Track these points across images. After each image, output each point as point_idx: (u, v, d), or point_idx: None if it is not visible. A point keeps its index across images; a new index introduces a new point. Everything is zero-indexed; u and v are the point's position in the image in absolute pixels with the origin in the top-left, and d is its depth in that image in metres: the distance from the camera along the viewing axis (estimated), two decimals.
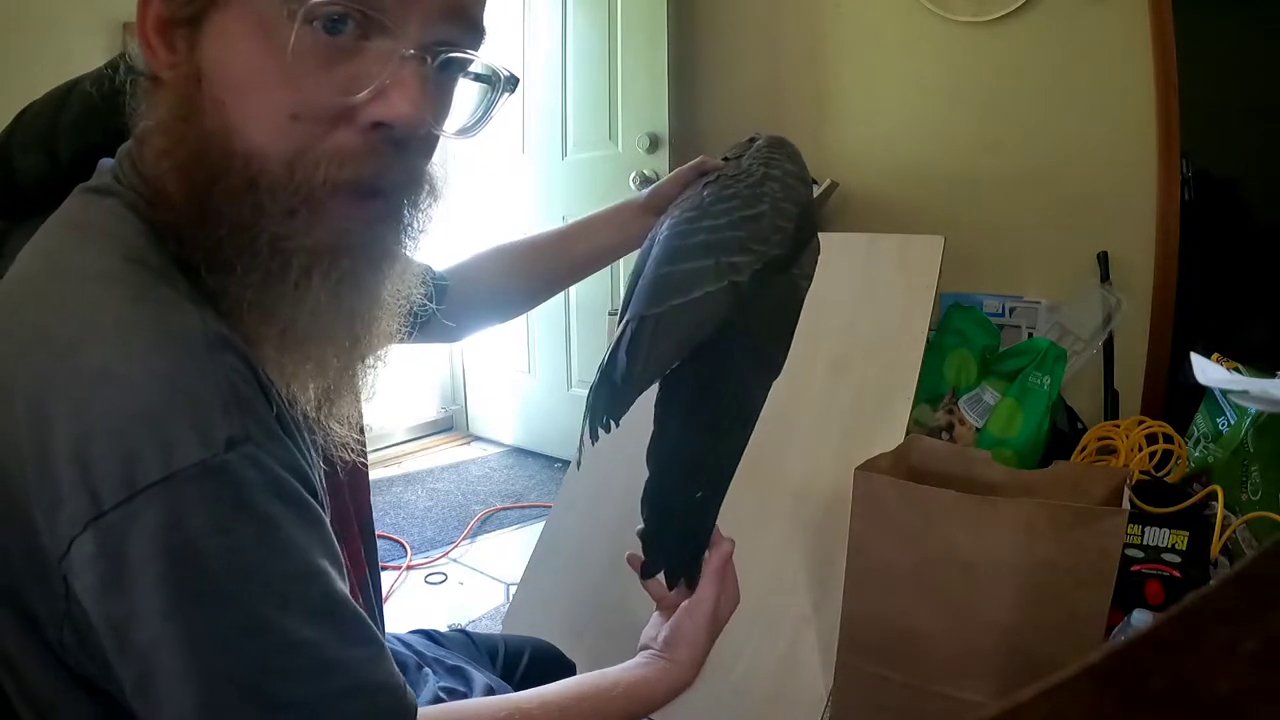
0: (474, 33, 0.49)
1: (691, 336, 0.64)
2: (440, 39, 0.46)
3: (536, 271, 0.88)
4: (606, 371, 0.64)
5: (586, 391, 0.64)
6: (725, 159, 0.79)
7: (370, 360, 0.56)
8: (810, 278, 0.72)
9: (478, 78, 0.52)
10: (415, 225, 0.52)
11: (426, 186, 0.52)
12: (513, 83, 0.53)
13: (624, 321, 0.66)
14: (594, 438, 0.62)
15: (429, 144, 0.51)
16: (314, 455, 0.51)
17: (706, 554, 0.70)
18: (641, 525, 0.68)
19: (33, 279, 0.46)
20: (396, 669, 0.47)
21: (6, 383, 0.41)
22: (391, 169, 0.48)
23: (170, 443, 0.38)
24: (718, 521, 0.70)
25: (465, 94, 0.53)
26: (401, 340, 0.70)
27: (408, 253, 0.53)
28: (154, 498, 0.38)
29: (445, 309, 0.73)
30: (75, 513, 0.38)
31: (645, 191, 0.85)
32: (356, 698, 0.44)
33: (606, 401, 0.63)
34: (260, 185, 0.44)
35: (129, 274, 0.43)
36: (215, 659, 0.39)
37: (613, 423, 0.63)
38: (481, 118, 0.54)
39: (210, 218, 0.45)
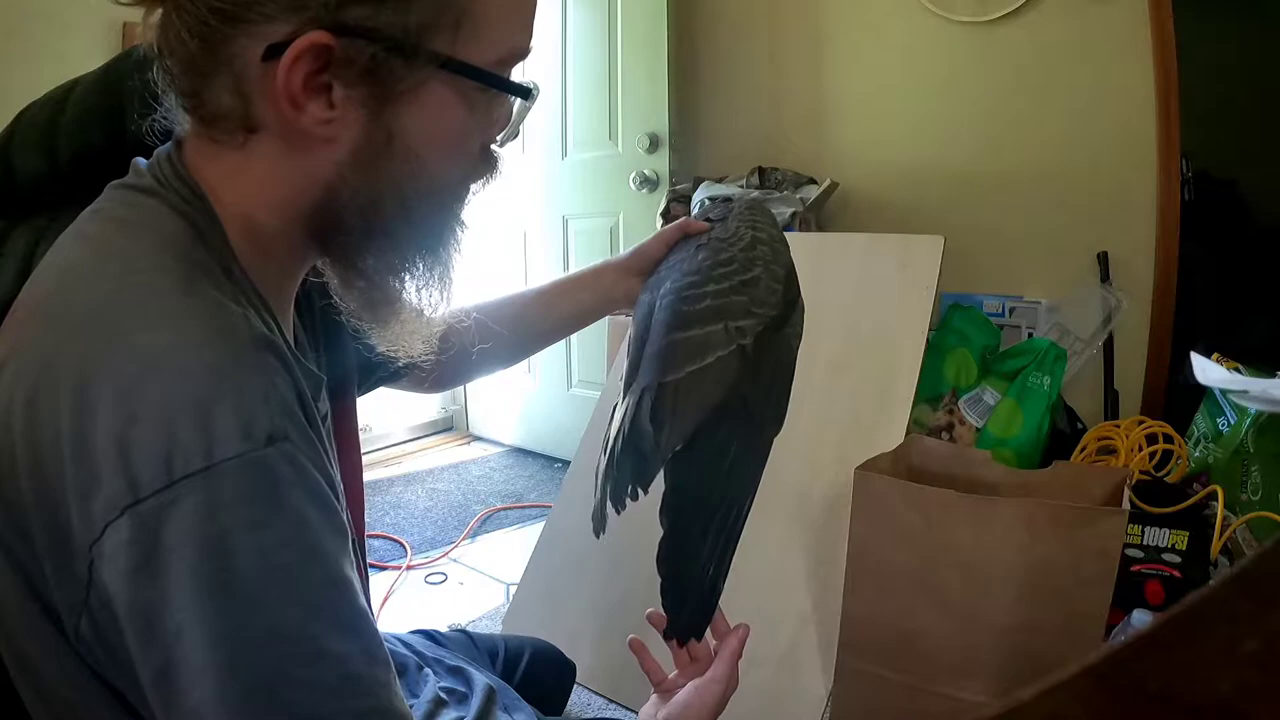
0: None
1: (708, 400, 0.67)
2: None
3: (518, 331, 0.89)
4: (631, 441, 0.65)
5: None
6: (708, 219, 0.81)
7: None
8: (800, 335, 0.75)
9: None
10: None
11: None
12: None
13: (639, 388, 0.68)
14: (620, 508, 0.65)
15: None
16: (335, 467, 0.51)
17: (718, 640, 0.72)
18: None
19: (80, 267, 0.46)
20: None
21: (54, 366, 0.41)
22: None
23: (213, 433, 0.39)
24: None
25: None
26: (382, 385, 0.78)
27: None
28: (193, 487, 0.39)
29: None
30: (113, 498, 0.39)
31: (627, 252, 0.87)
32: None
33: (634, 471, 0.65)
34: (434, 203, 0.54)
35: (179, 269, 0.45)
36: (239, 657, 0.39)
37: (641, 491, 0.65)
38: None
39: (394, 228, 0.52)
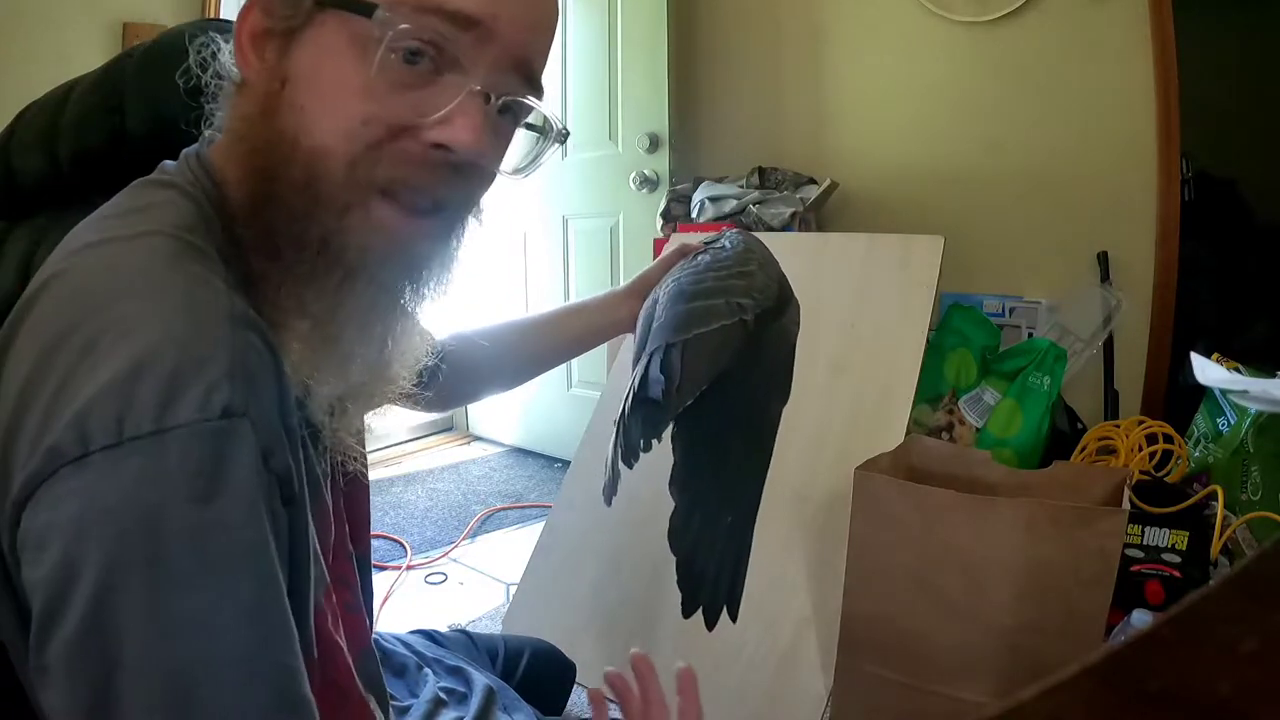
0: (534, 88, 0.54)
1: (715, 362, 0.69)
2: (504, 87, 0.51)
3: (528, 351, 0.91)
4: (640, 395, 0.66)
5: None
6: (706, 245, 0.86)
7: (391, 374, 0.57)
8: (798, 326, 0.80)
9: (531, 127, 0.58)
10: (457, 251, 0.55)
11: (474, 217, 0.56)
12: (563, 135, 0.59)
13: (648, 353, 0.69)
14: (633, 461, 0.64)
15: (485, 178, 0.55)
16: (305, 465, 0.50)
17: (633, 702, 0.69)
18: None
19: (84, 244, 0.47)
20: None
21: (42, 328, 0.42)
22: (446, 188, 0.51)
23: (168, 399, 0.39)
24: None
25: (519, 140, 0.58)
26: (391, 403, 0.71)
27: (447, 276, 0.56)
28: (139, 449, 0.38)
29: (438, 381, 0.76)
30: (60, 449, 0.38)
31: (632, 279, 0.90)
32: None
33: (645, 420, 0.66)
34: (321, 180, 0.48)
35: (170, 246, 0.46)
36: (160, 639, 0.38)
37: (655, 441, 0.65)
38: (532, 161, 0.60)
39: (268, 204, 0.48)
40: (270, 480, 0.43)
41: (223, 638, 0.39)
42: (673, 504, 0.69)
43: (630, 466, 0.64)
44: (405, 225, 0.50)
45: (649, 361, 0.68)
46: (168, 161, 0.54)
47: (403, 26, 0.47)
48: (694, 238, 0.91)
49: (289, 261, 0.49)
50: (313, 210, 0.48)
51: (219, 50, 0.54)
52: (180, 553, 0.38)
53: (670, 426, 0.69)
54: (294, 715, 0.42)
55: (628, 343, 0.86)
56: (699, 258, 0.80)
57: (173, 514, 0.38)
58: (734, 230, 0.86)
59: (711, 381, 0.68)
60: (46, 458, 0.39)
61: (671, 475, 0.69)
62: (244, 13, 0.49)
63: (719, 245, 0.81)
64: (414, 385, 0.61)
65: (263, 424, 0.42)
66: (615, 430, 0.66)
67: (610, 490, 0.66)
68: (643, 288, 0.87)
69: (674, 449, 0.70)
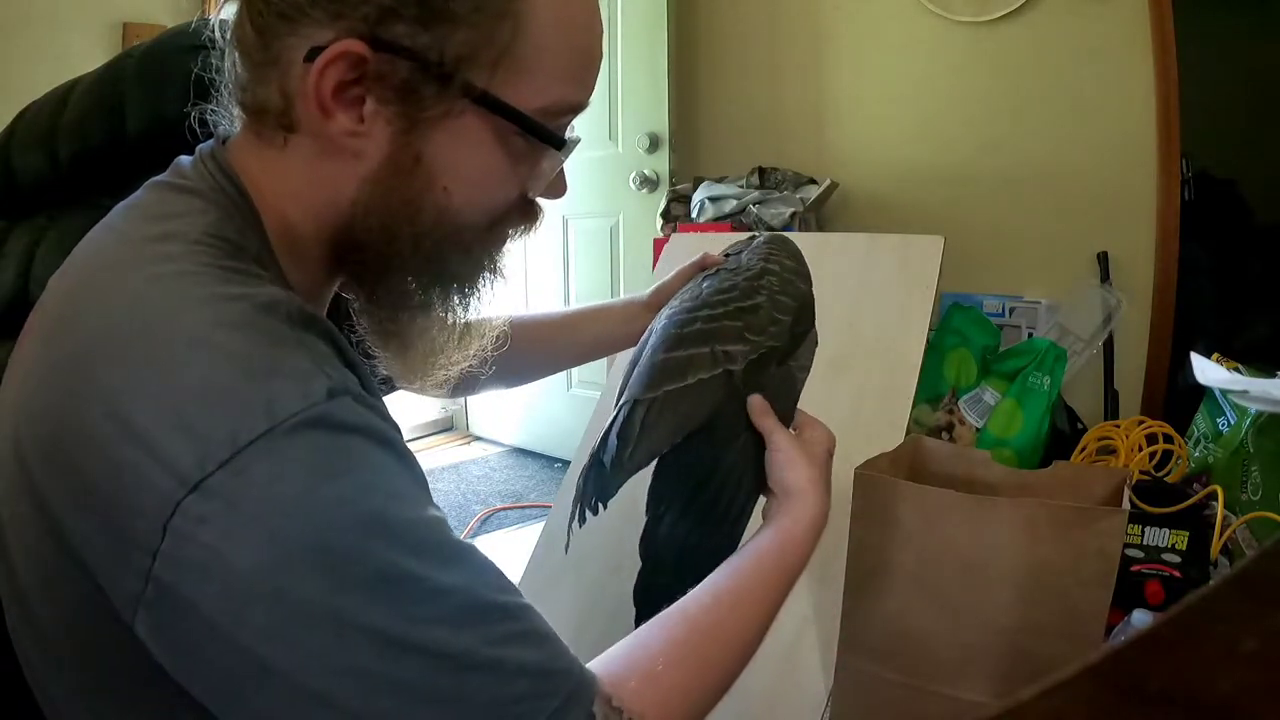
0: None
1: (684, 423, 0.64)
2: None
3: (539, 351, 0.90)
4: (597, 454, 0.64)
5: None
6: (726, 254, 0.80)
7: (441, 361, 0.63)
8: (808, 369, 0.73)
9: None
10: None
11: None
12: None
13: (618, 405, 0.66)
14: (581, 520, 0.63)
15: None
16: None
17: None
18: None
19: (116, 259, 0.46)
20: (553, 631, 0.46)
21: (92, 355, 0.41)
22: None
23: (271, 397, 0.39)
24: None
25: None
26: (395, 390, 0.77)
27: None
28: (259, 452, 0.38)
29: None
30: (182, 475, 0.38)
31: (650, 289, 0.88)
32: (525, 645, 0.43)
33: (595, 484, 0.63)
34: (455, 244, 0.53)
35: (218, 256, 0.45)
36: (346, 610, 0.38)
37: (601, 505, 0.63)
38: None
39: (406, 256, 0.52)
40: (393, 435, 0.44)
41: (408, 584, 0.40)
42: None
43: (580, 525, 0.63)
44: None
45: (613, 420, 0.65)
46: (182, 158, 0.53)
47: (570, 143, 0.54)
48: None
49: (376, 280, 0.54)
50: (435, 262, 0.53)
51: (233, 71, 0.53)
52: (333, 528, 0.39)
53: (650, 482, 0.67)
54: (548, 655, 0.44)
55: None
56: (705, 282, 0.74)
57: (312, 499, 0.39)
58: (762, 240, 0.78)
59: (680, 440, 0.64)
60: (170, 486, 0.38)
61: (642, 533, 0.66)
62: (324, 65, 0.46)
63: (734, 263, 0.75)
64: (479, 365, 0.67)
65: (363, 394, 0.44)
66: (577, 485, 0.65)
67: (565, 539, 0.65)
68: (660, 300, 0.85)
69: (646, 508, 0.66)
